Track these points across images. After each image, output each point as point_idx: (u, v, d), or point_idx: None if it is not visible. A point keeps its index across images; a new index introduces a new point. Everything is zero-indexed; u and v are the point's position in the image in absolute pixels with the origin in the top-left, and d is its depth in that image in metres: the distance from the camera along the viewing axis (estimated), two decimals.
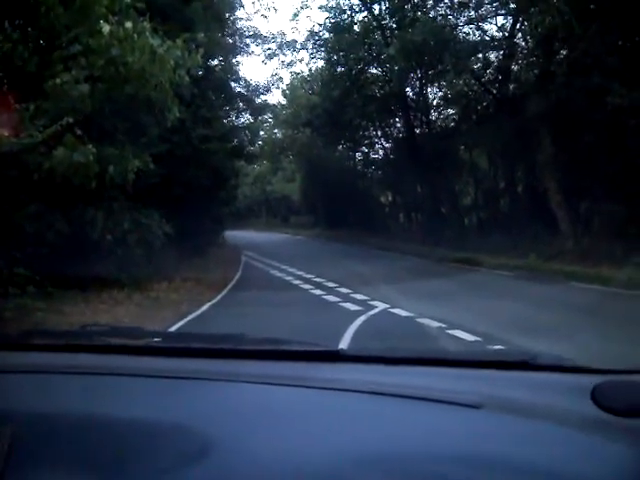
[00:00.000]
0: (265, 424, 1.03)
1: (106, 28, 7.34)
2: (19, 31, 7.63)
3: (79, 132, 8.31)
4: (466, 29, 22.78)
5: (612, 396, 1.06)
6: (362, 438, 0.98)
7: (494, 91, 23.31)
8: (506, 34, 22.27)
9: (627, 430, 1.01)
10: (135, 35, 7.35)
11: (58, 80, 7.41)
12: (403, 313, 9.43)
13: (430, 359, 1.45)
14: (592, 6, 16.31)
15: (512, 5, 20.47)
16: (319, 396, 1.18)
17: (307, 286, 13.84)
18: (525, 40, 22.20)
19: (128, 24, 7.49)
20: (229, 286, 14.73)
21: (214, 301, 12.12)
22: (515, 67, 22.73)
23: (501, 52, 22.33)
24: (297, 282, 14.80)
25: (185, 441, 0.95)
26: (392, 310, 9.79)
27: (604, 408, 1.04)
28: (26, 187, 9.59)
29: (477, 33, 22.79)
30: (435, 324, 8.36)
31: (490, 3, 21.34)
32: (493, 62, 22.88)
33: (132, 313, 10.19)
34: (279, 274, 17.17)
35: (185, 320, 9.78)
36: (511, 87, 22.83)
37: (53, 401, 1.14)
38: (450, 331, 7.87)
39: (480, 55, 22.44)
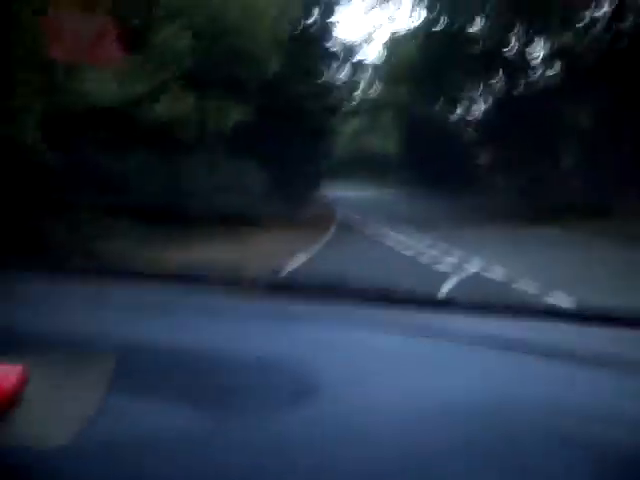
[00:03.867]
0: (373, 370, 1.01)
1: None
2: None
3: (181, 85, 8.73)
4: None
5: None
6: (474, 390, 0.94)
7: (603, 46, 22.08)
8: None
9: None
10: None
11: (161, 34, 7.79)
12: (494, 271, 9.43)
13: (555, 312, 1.38)
14: None
15: None
16: (429, 345, 1.12)
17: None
18: None
19: None
20: (324, 240, 14.61)
21: (309, 255, 11.93)
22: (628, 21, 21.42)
23: (613, 4, 21.06)
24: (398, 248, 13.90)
25: (294, 381, 0.93)
26: (484, 273, 9.67)
27: None
28: (130, 137, 10.11)
29: None
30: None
31: None
32: (603, 15, 21.58)
33: (229, 261, 10.57)
34: (374, 232, 16.84)
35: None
36: (622, 42, 21.56)
37: (159, 332, 1.11)
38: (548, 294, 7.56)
39: (590, 7, 21.25)
